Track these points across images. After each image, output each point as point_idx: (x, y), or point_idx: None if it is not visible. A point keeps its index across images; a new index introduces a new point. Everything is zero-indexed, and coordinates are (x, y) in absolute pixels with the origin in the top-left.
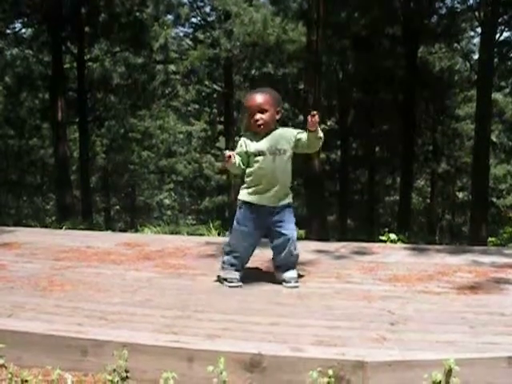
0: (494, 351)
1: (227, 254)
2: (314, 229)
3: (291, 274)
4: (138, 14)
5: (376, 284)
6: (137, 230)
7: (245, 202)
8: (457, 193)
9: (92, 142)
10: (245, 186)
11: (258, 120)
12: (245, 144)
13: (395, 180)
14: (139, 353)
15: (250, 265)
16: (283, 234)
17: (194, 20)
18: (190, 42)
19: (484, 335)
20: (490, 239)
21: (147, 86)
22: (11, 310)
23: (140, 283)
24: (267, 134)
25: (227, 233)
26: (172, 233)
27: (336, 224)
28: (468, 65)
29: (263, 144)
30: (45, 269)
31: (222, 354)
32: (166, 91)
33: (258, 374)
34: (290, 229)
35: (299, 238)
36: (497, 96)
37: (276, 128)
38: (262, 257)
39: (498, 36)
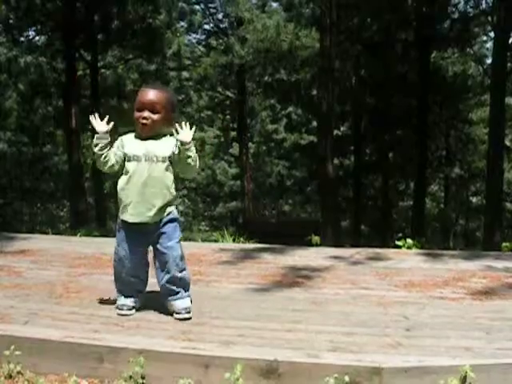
0: (510, 357)
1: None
2: (328, 235)
3: (181, 303)
4: (150, 21)
5: (391, 290)
6: None
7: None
8: (470, 198)
9: None
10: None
11: (145, 117)
12: (121, 143)
13: (409, 185)
14: (155, 360)
15: (262, 272)
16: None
17: (206, 27)
18: (202, 49)
19: (500, 341)
20: (503, 244)
21: None
22: (27, 317)
23: (155, 290)
24: (151, 138)
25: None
26: (186, 239)
27: (350, 230)
28: (481, 69)
29: (140, 148)
30: (60, 276)
31: (238, 361)
32: (179, 98)
33: (274, 380)
34: (169, 247)
35: (314, 244)
36: (510, 100)
37: (163, 136)
38: (276, 263)
39: (511, 40)
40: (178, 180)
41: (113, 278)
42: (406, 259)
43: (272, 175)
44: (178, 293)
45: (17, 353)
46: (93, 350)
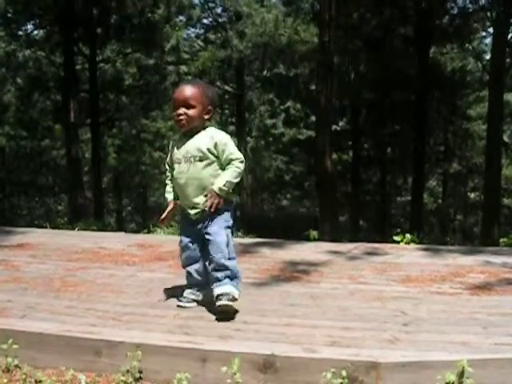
0: (508, 352)
1: None
2: (326, 230)
3: (220, 289)
4: (149, 15)
5: (389, 285)
6: (149, 231)
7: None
8: (468, 193)
9: (104, 143)
10: None
11: (180, 114)
12: (169, 150)
13: (407, 180)
14: (152, 353)
15: (260, 266)
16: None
17: (205, 21)
18: (201, 43)
19: (497, 336)
20: (501, 240)
21: (159, 87)
22: (25, 311)
23: (153, 284)
24: (191, 135)
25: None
26: None
27: (348, 224)
28: (480, 65)
29: (181, 149)
30: (58, 270)
31: (235, 355)
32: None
33: (271, 374)
34: (214, 232)
35: (312, 239)
36: (509, 96)
37: (203, 129)
38: (273, 258)
39: (510, 36)
40: None
41: (110, 272)
42: (404, 254)
43: (270, 170)
44: (220, 280)
45: (14, 346)
46: (90, 344)
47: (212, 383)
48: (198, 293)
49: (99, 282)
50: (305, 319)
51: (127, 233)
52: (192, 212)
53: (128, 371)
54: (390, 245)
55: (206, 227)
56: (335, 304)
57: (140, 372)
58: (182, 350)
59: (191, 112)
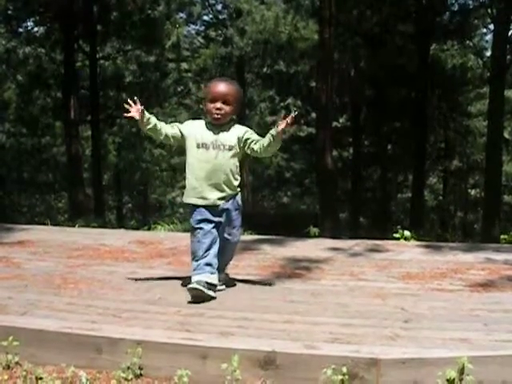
0: (508, 349)
1: None
2: (326, 226)
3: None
4: (149, 12)
5: (389, 282)
6: (149, 228)
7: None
8: (469, 190)
9: (104, 140)
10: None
11: (218, 108)
12: (187, 126)
13: (407, 177)
14: (153, 350)
15: (261, 263)
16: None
17: (205, 18)
18: (201, 40)
19: (498, 333)
20: (502, 236)
21: (159, 84)
22: (25, 308)
23: (153, 281)
24: (220, 126)
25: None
26: (185, 231)
27: (348, 222)
28: (480, 62)
29: (210, 136)
30: (58, 267)
31: (235, 352)
32: (179, 89)
33: (271, 371)
34: (234, 233)
35: (313, 236)
36: (509, 93)
37: (230, 123)
38: (274, 254)
39: (510, 33)
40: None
41: (111, 269)
42: (405, 251)
43: (271, 167)
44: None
45: (15, 343)
46: (91, 341)
47: (213, 380)
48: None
49: (99, 278)
50: (305, 316)
51: (127, 230)
52: (214, 197)
53: (128, 368)
54: (390, 241)
55: (221, 223)
56: (336, 301)
57: (140, 369)
58: (182, 347)
59: (228, 108)
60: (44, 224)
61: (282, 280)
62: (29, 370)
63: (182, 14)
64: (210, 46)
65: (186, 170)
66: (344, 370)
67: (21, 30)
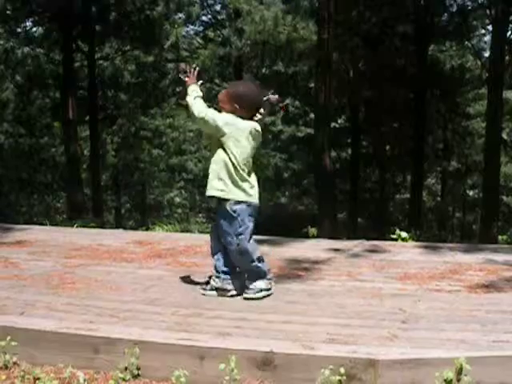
0: (506, 349)
1: None
2: (325, 227)
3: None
4: (148, 12)
5: (387, 282)
6: (148, 229)
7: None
8: (467, 191)
9: (103, 141)
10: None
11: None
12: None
13: (406, 178)
14: (151, 351)
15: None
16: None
17: (204, 18)
18: (200, 41)
19: (495, 333)
20: (500, 237)
21: (158, 85)
22: (23, 308)
23: (151, 281)
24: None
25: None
26: (183, 231)
27: (347, 222)
28: (479, 63)
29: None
30: (56, 267)
31: (233, 352)
32: (177, 89)
33: (269, 372)
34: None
35: (311, 236)
36: (508, 94)
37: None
38: (272, 255)
39: (509, 34)
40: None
41: (109, 269)
42: (403, 252)
43: (269, 167)
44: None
45: (13, 343)
46: (88, 341)
47: (210, 380)
48: (220, 281)
49: (98, 279)
50: (303, 316)
51: (126, 230)
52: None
53: (126, 368)
54: (388, 242)
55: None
56: (334, 301)
57: (138, 369)
58: (180, 347)
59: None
60: (42, 224)
61: (280, 280)
62: (26, 370)
63: (180, 15)
64: (208, 46)
65: None
66: (342, 370)
67: (19, 30)
